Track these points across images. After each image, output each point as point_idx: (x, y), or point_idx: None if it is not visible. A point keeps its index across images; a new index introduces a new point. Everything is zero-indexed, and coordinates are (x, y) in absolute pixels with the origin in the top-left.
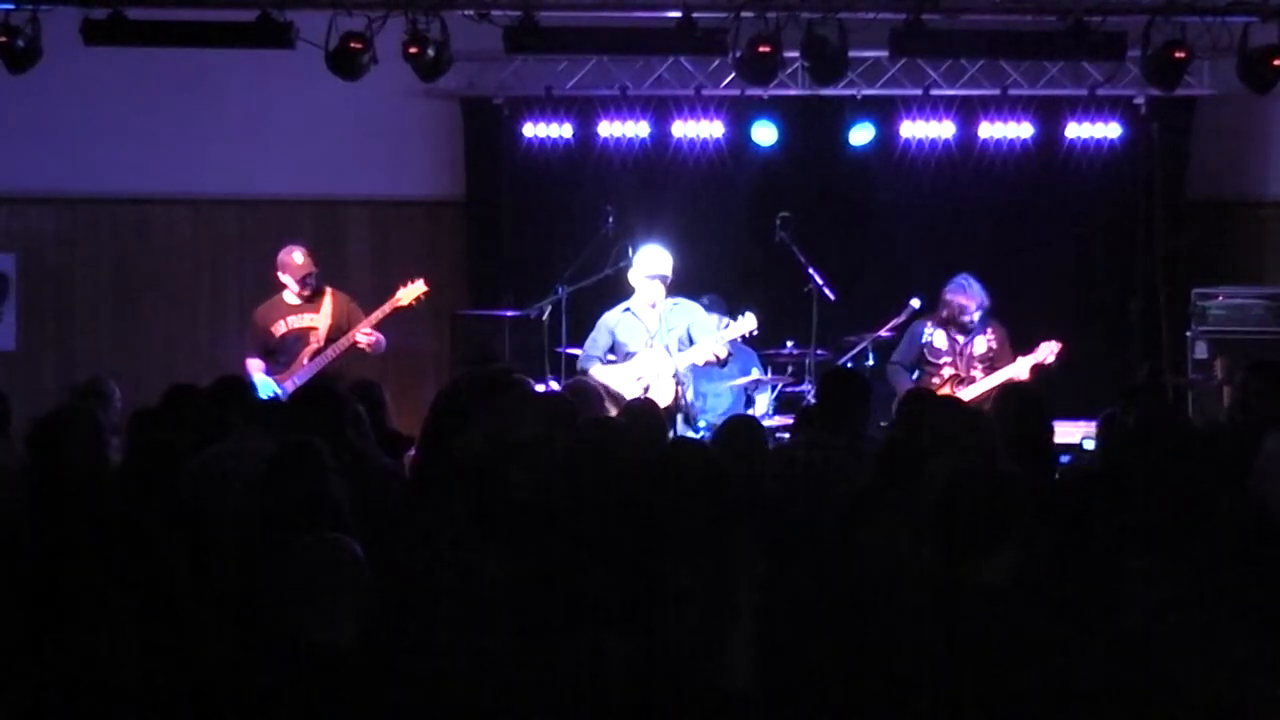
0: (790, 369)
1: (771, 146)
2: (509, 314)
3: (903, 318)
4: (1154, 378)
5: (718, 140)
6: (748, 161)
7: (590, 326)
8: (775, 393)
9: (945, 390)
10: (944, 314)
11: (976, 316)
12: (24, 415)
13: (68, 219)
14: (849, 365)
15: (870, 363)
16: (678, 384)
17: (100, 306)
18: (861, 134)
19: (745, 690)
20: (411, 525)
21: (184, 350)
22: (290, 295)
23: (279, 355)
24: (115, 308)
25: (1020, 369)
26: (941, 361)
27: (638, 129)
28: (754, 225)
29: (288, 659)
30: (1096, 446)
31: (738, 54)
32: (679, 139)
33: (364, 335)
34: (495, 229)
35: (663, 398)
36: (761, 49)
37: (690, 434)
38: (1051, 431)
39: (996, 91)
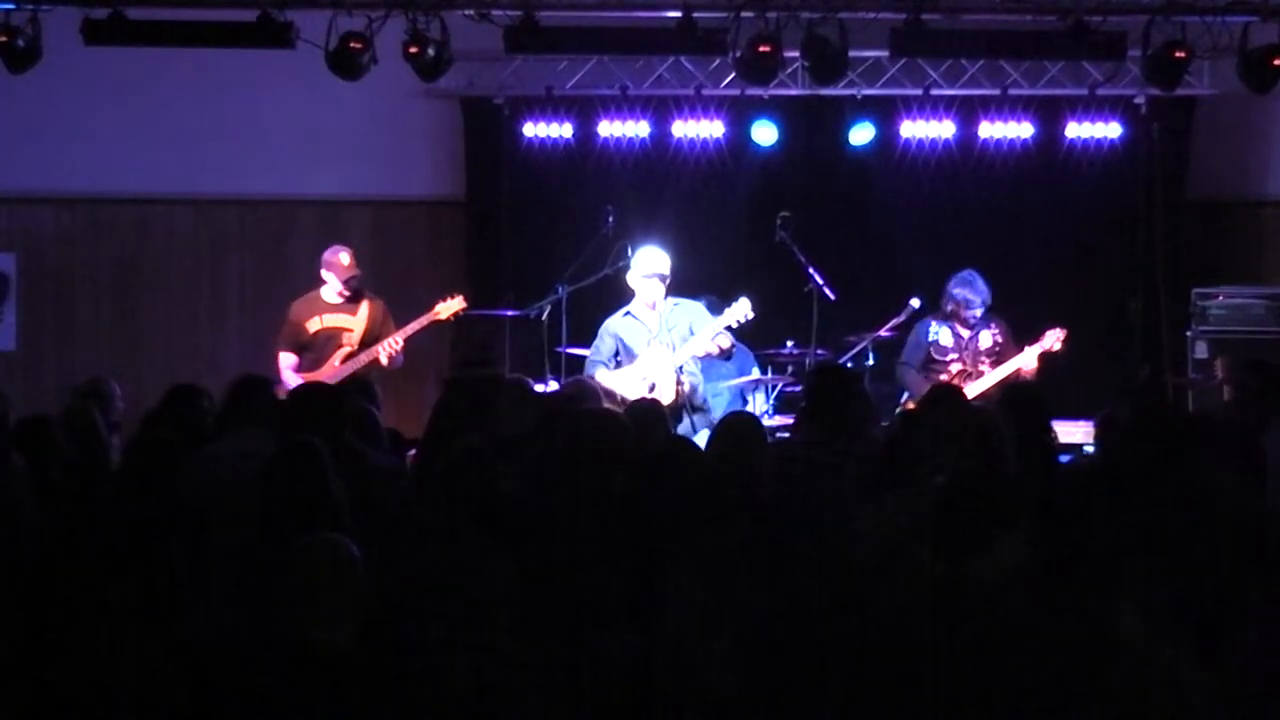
0: (790, 369)
1: (771, 146)
2: (509, 314)
3: (903, 317)
4: (1154, 378)
5: (718, 140)
6: (748, 161)
7: (590, 326)
8: (775, 393)
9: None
10: (948, 308)
11: (980, 311)
12: (24, 415)
13: (68, 219)
14: (829, 358)
15: (870, 362)
16: (678, 382)
17: (100, 306)
18: (861, 134)
19: (743, 690)
20: (411, 525)
21: (184, 350)
22: (329, 293)
23: (308, 352)
24: (115, 308)
25: (1028, 358)
26: (948, 358)
27: (638, 129)
28: (754, 225)
29: (287, 659)
30: (1096, 446)
31: (738, 54)
32: (679, 139)
33: (389, 346)
34: (495, 229)
35: (665, 395)
36: (761, 49)
37: (699, 424)
38: (1052, 431)
39: (996, 91)
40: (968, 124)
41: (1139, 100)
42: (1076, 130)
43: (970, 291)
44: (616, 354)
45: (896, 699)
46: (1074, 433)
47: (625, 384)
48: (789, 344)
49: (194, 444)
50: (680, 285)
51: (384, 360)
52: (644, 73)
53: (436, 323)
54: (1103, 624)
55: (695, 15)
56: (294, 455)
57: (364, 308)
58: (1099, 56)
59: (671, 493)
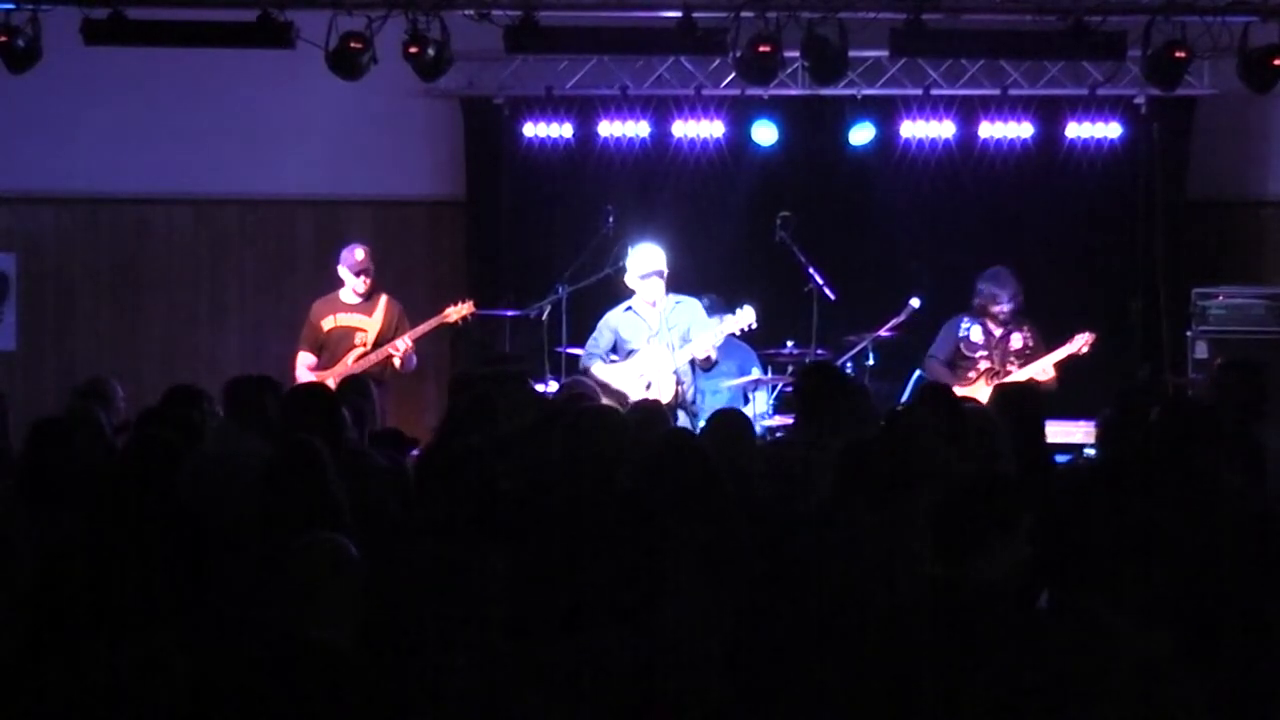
0: (790, 369)
1: (771, 146)
2: (509, 314)
3: (903, 317)
4: (1154, 377)
5: (718, 140)
6: (748, 161)
7: (590, 326)
8: (775, 393)
9: (980, 383)
10: (977, 303)
11: (1008, 308)
12: (24, 415)
13: (68, 219)
14: (825, 358)
15: (870, 362)
16: (678, 382)
17: (100, 306)
18: (861, 134)
19: (741, 690)
20: (411, 524)
21: (184, 350)
22: (347, 293)
23: (325, 351)
24: (115, 308)
25: (1053, 360)
26: (977, 355)
27: (638, 129)
28: (754, 225)
29: (287, 659)
30: (1096, 446)
31: (738, 54)
32: (679, 139)
33: (400, 345)
34: (495, 229)
35: (664, 395)
36: (761, 49)
37: (693, 426)
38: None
39: (996, 91)
40: (968, 124)
41: (1139, 100)
42: (1076, 130)
43: (995, 286)
44: (614, 349)
45: (896, 699)
46: (1074, 433)
47: (623, 380)
48: (789, 344)
49: (193, 444)
50: (680, 285)
51: (396, 362)
52: (644, 73)
53: (445, 325)
54: (1102, 625)
55: (695, 15)
56: (294, 455)
57: (381, 308)
58: (1099, 56)
59: (671, 490)
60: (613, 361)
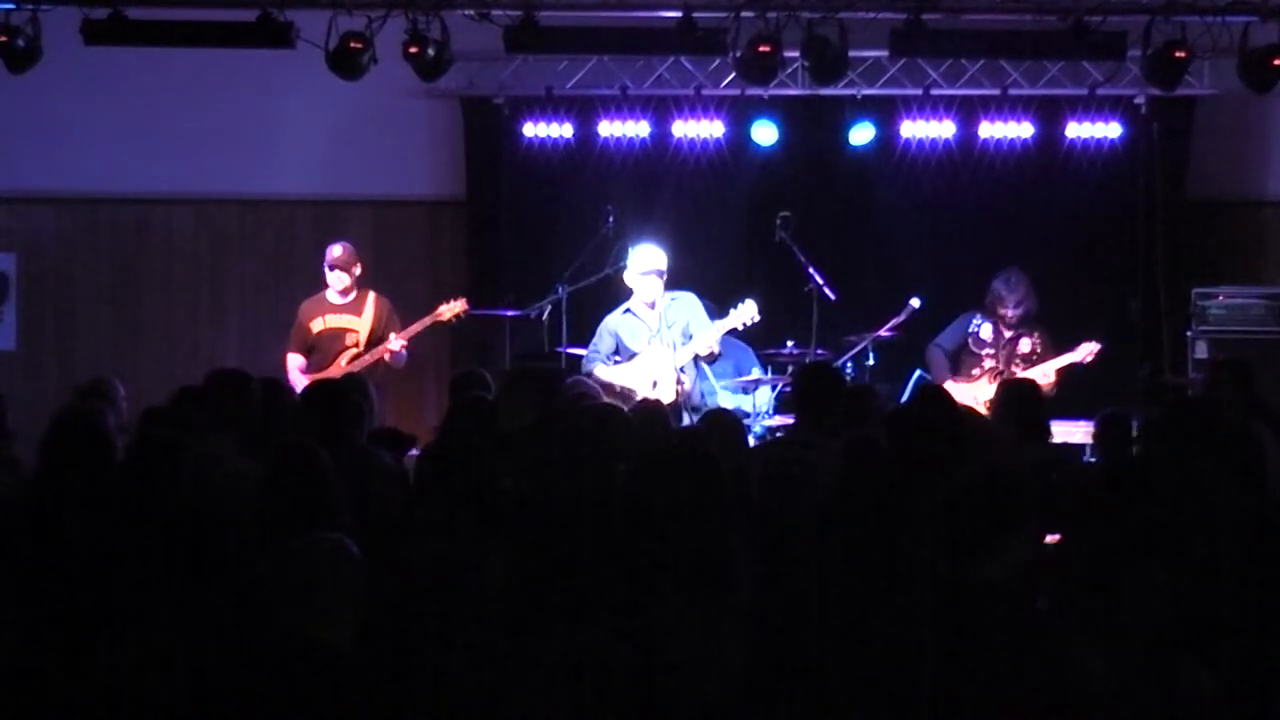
0: (790, 369)
1: (771, 146)
2: (509, 314)
3: (903, 317)
4: (1154, 377)
5: (718, 140)
6: (748, 161)
7: (590, 326)
8: (775, 392)
9: (984, 381)
10: (987, 302)
11: (1013, 312)
12: (24, 415)
13: (68, 219)
14: (825, 357)
15: (870, 362)
16: (678, 382)
17: (100, 306)
18: (861, 134)
19: (742, 690)
20: (412, 523)
21: (184, 350)
22: (333, 294)
23: (315, 353)
24: (115, 308)
25: (1055, 365)
26: (984, 353)
27: (638, 129)
28: (754, 225)
29: (287, 659)
30: (1096, 446)
31: (738, 54)
32: (679, 139)
33: (395, 346)
34: (495, 229)
35: (666, 394)
36: (761, 49)
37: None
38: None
39: (996, 91)
40: (968, 124)
41: (1139, 100)
42: (1076, 130)
43: (1004, 289)
44: (615, 352)
45: (897, 699)
46: (1074, 433)
47: (629, 381)
48: (789, 344)
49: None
50: (681, 285)
51: (388, 358)
52: (644, 73)
53: (439, 324)
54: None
55: (695, 15)
56: (294, 455)
57: (369, 307)
58: (1099, 56)
59: (671, 490)
60: (616, 364)
